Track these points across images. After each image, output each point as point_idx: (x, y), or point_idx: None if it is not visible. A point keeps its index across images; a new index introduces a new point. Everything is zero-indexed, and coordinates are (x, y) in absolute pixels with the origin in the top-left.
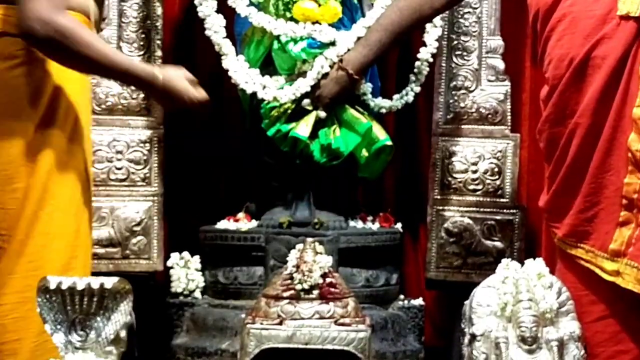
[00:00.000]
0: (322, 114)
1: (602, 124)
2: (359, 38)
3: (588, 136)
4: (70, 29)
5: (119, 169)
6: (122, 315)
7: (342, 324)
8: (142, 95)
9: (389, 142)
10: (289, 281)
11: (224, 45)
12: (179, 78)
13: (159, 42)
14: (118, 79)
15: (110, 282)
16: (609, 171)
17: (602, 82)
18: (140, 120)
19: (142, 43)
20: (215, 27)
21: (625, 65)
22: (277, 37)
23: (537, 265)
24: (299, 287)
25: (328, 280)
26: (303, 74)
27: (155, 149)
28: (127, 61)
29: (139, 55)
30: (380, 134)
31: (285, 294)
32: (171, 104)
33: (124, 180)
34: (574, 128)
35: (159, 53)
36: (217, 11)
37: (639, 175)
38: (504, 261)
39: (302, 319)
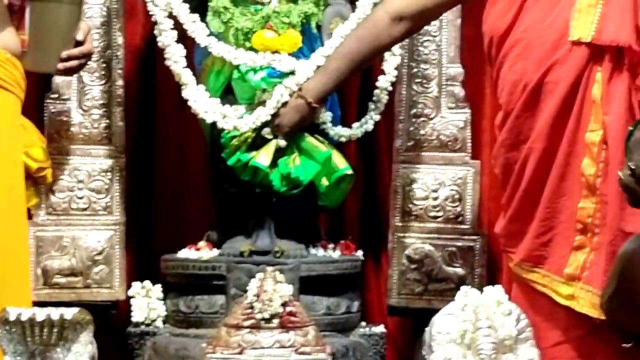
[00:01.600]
0: (282, 142)
1: (555, 148)
2: (318, 67)
3: (542, 161)
4: None
5: (80, 198)
6: (83, 345)
7: (303, 353)
8: (103, 125)
9: (349, 171)
10: (250, 310)
11: (184, 75)
12: None
13: (120, 71)
14: None
15: (70, 312)
16: (563, 196)
17: (555, 107)
18: (101, 149)
19: (103, 72)
20: (175, 57)
21: (577, 90)
22: (237, 67)
23: (496, 292)
24: (259, 316)
25: (288, 309)
26: (263, 103)
27: (117, 177)
28: None
29: (100, 85)
30: (340, 163)
31: (246, 323)
32: None
33: (85, 209)
34: (528, 153)
35: (120, 82)
36: (177, 41)
37: (592, 200)
38: (463, 288)
39: (263, 348)
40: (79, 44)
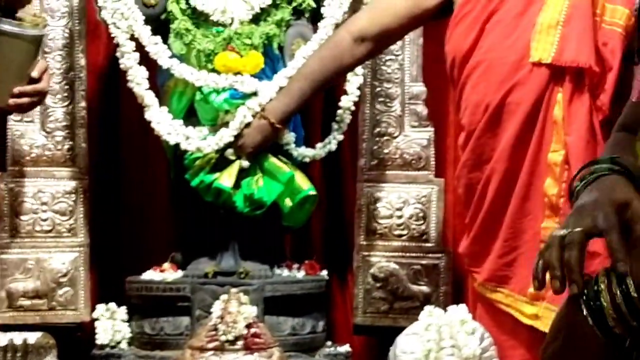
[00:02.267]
0: (245, 163)
1: (518, 169)
2: (281, 88)
3: (505, 181)
4: None
5: (45, 220)
6: None
7: None
8: (66, 146)
9: (313, 192)
10: (214, 332)
11: (147, 97)
12: None
13: (83, 92)
14: None
15: (33, 337)
16: (527, 216)
17: (517, 127)
18: (65, 171)
19: (65, 94)
20: (137, 79)
21: (539, 111)
22: (200, 89)
23: (460, 311)
24: (223, 338)
25: (252, 330)
26: (226, 124)
27: (81, 199)
28: None
29: (63, 107)
30: (304, 184)
31: (210, 345)
32: None
33: (49, 231)
34: (491, 173)
35: (83, 104)
36: (140, 63)
37: (555, 220)
38: (427, 308)
39: None
40: (33, 82)
